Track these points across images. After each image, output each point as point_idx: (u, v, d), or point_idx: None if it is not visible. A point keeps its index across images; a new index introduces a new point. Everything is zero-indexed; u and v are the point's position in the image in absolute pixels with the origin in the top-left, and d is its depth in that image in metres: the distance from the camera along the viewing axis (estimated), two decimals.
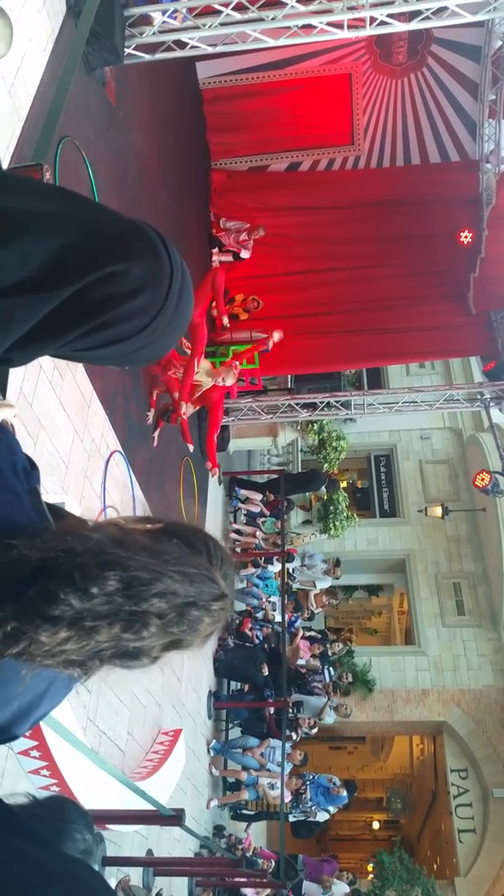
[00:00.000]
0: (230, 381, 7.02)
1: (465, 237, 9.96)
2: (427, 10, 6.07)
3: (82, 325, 1.01)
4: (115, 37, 5.33)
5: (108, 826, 4.87)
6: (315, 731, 10.34)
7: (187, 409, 7.06)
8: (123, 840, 5.53)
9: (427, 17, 6.17)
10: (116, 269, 1.00)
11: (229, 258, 10.24)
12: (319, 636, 11.73)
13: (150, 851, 6.08)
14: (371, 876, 13.50)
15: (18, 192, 1.01)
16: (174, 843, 6.81)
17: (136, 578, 0.89)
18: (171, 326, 1.10)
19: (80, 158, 5.15)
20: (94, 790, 4.21)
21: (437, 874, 13.56)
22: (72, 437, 4.88)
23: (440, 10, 6.07)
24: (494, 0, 5.96)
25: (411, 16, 6.19)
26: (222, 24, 5.89)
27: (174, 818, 4.48)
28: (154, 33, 5.81)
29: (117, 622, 0.88)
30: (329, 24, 6.06)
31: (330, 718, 10.59)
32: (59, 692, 1.02)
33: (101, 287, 0.99)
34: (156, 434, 7.08)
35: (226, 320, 9.58)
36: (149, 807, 4.34)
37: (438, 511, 13.62)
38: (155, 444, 7.09)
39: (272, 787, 8.85)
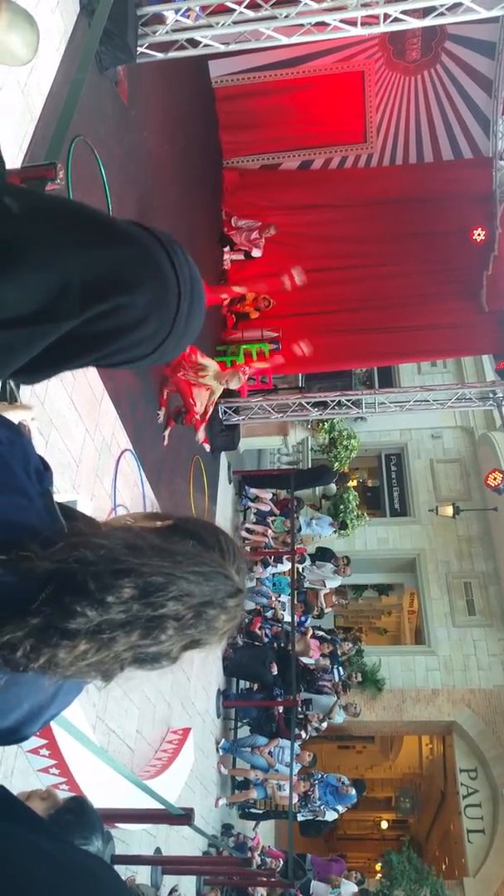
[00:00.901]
0: (234, 385, 7.00)
1: (479, 235, 9.90)
2: (441, 5, 6.01)
3: (87, 355, 1.01)
4: (127, 36, 5.33)
5: (116, 824, 4.88)
6: (325, 725, 10.33)
7: (201, 410, 7.06)
8: (132, 838, 5.54)
9: (441, 14, 6.11)
10: (121, 302, 0.98)
11: (241, 257, 10.23)
12: (329, 636, 11.70)
13: (158, 850, 6.09)
14: (379, 876, 13.48)
15: (20, 216, 0.97)
16: (182, 842, 6.82)
17: (151, 584, 0.89)
18: (181, 342, 1.10)
19: (92, 157, 5.15)
20: (103, 789, 4.21)
21: (446, 874, 13.52)
22: (83, 435, 4.88)
23: (455, 6, 6.01)
24: None
25: (425, 12, 6.14)
26: (235, 23, 5.87)
27: (184, 817, 4.47)
28: (167, 32, 5.80)
29: (135, 630, 0.88)
30: (342, 21, 6.02)
31: (339, 717, 10.58)
32: (69, 693, 1.02)
33: (106, 319, 0.98)
34: (166, 433, 7.08)
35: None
36: (158, 805, 4.35)
37: (449, 510, 13.56)
38: (165, 443, 7.09)
39: (280, 787, 8.84)
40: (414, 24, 6.23)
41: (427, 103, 10.16)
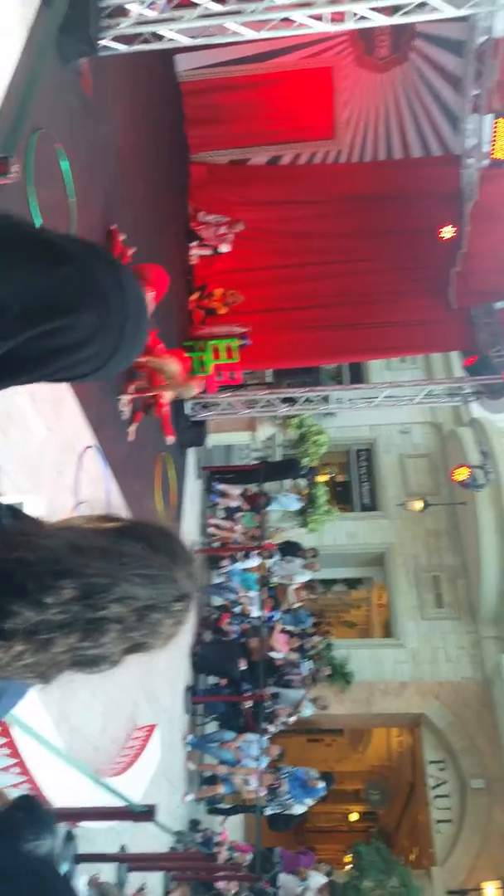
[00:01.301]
0: (187, 395, 7.08)
1: (447, 232, 9.98)
2: (409, 4, 6.03)
3: (28, 373, 1.00)
4: (90, 27, 5.25)
5: (80, 823, 4.85)
6: (293, 719, 10.38)
7: (167, 397, 7.06)
8: (97, 836, 5.51)
9: (409, 12, 6.13)
10: (62, 324, 0.98)
11: (208, 252, 10.19)
12: (298, 630, 11.76)
13: (123, 847, 6.08)
14: (349, 867, 13.58)
15: None
16: (149, 838, 6.80)
17: (94, 585, 0.88)
18: (126, 360, 1.10)
19: (54, 151, 5.08)
20: (65, 788, 4.19)
21: (415, 864, 13.71)
22: (44, 431, 4.83)
23: (423, 5, 6.03)
24: None
25: (393, 10, 6.15)
26: (201, 16, 5.82)
27: (146, 814, 4.48)
28: (131, 25, 5.72)
29: (74, 631, 0.87)
30: (309, 17, 6.01)
31: (308, 710, 10.64)
32: (15, 694, 1.01)
33: (48, 339, 0.98)
34: (132, 429, 7.02)
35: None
36: (122, 803, 4.34)
37: (418, 505, 13.69)
38: (131, 437, 7.04)
39: (247, 782, 8.87)
40: (381, 21, 6.22)
41: (396, 101, 10.19)
